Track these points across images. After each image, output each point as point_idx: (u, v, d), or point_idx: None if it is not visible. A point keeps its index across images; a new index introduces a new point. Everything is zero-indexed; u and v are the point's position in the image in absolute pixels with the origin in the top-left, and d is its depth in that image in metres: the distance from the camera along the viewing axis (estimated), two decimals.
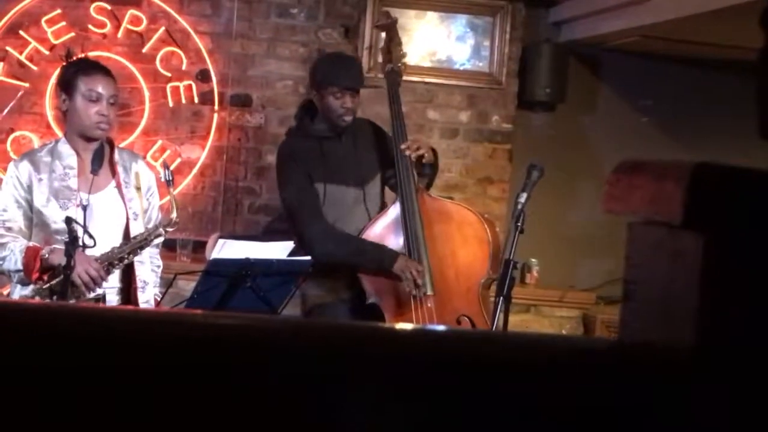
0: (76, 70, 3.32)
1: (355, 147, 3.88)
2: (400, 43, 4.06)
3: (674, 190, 0.71)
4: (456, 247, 3.82)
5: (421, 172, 3.88)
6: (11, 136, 5.26)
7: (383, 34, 4.12)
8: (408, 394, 0.75)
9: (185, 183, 5.29)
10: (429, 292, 3.71)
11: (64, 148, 3.35)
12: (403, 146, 3.80)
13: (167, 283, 3.56)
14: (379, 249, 3.75)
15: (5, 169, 5.05)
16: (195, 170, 5.34)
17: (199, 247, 5.11)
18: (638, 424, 0.76)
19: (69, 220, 3.08)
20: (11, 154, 5.11)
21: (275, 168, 3.97)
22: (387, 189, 4.02)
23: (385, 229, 3.81)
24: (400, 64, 4.00)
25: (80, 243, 3.11)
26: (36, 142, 5.14)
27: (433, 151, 3.95)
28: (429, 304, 3.71)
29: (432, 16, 5.30)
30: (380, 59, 4.07)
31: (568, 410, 0.77)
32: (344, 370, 0.76)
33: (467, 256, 3.81)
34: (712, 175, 0.71)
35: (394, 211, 3.82)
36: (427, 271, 3.72)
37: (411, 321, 3.69)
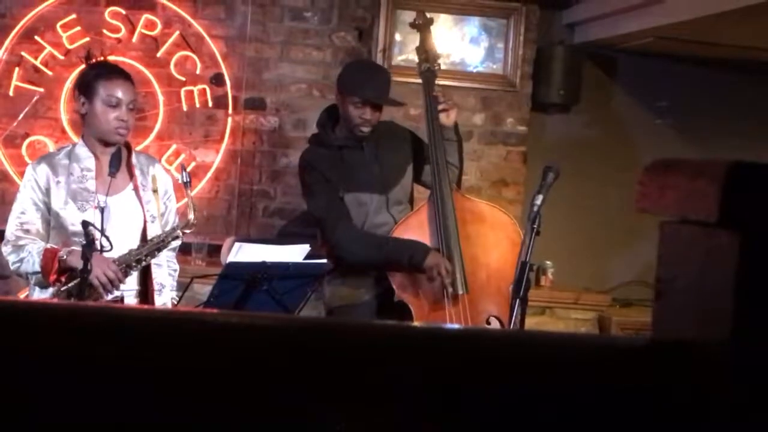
0: (96, 74, 3.32)
1: (377, 153, 3.87)
2: (435, 43, 4.08)
3: (709, 189, 0.71)
4: (488, 248, 3.83)
5: (446, 137, 3.88)
6: (26, 141, 5.28)
7: (418, 34, 4.14)
8: (451, 392, 0.75)
9: (200, 187, 5.30)
10: (461, 292, 3.71)
11: (82, 150, 3.35)
12: (437, 94, 3.82)
13: (183, 287, 3.57)
14: (410, 246, 3.74)
15: (21, 174, 5.10)
16: (209, 174, 5.35)
17: (214, 250, 5.12)
18: (675, 422, 0.76)
19: (86, 224, 3.09)
20: (26, 159, 5.13)
21: (299, 175, 3.99)
22: (411, 192, 4.04)
23: (418, 227, 3.81)
24: (435, 64, 4.01)
25: (97, 246, 3.13)
26: (51, 147, 5.16)
27: (456, 124, 3.96)
28: (460, 304, 3.72)
29: (445, 19, 5.30)
30: (416, 59, 4.10)
31: (604, 408, 0.77)
32: (390, 371, 0.76)
33: (499, 258, 3.81)
34: (748, 173, 0.71)
35: (428, 209, 3.82)
36: (460, 270, 3.72)
37: (442, 320, 3.70)
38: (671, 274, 0.80)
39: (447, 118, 3.86)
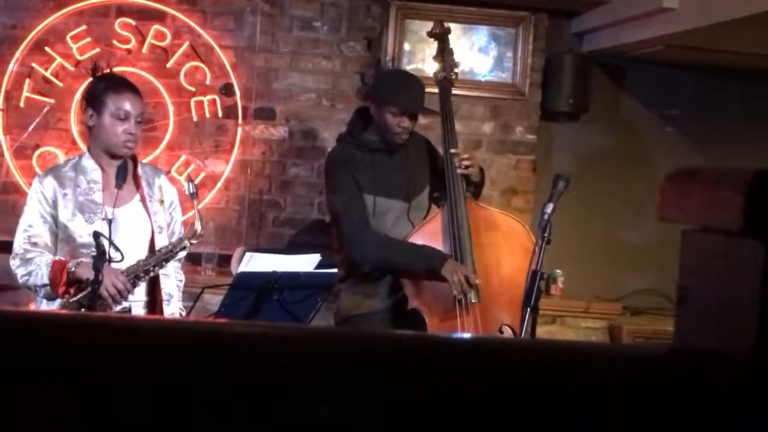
0: (105, 87, 3.32)
1: (406, 161, 3.91)
2: (452, 52, 4.12)
3: (733, 197, 0.71)
4: (501, 256, 3.83)
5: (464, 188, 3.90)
6: (37, 152, 5.29)
7: (435, 43, 4.18)
8: (469, 400, 0.74)
9: (210, 197, 5.31)
10: (474, 300, 3.71)
11: (88, 162, 3.36)
12: (453, 150, 3.83)
13: (194, 297, 3.57)
14: (428, 249, 3.75)
15: (31, 185, 5.11)
16: (219, 184, 5.36)
17: (224, 260, 5.13)
18: (697, 431, 0.76)
19: (96, 235, 3.09)
20: (37, 170, 5.14)
21: (324, 172, 4.00)
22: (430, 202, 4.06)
23: (431, 235, 3.82)
24: (452, 73, 4.05)
25: (107, 257, 3.13)
26: (61, 158, 5.17)
27: (481, 170, 3.97)
28: (473, 312, 3.72)
29: (454, 28, 5.29)
30: (433, 68, 4.14)
31: (625, 416, 0.77)
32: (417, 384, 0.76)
33: (512, 266, 3.81)
34: None
35: (442, 217, 3.83)
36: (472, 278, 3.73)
37: (455, 328, 3.70)
38: (693, 283, 0.79)
39: (474, 176, 3.88)
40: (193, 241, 3.39)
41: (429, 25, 4.29)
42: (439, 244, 3.80)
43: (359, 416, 0.79)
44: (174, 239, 3.42)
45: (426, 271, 3.71)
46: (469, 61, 5.37)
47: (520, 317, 3.71)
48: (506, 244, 3.85)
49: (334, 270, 3.65)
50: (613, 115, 5.64)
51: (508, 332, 3.77)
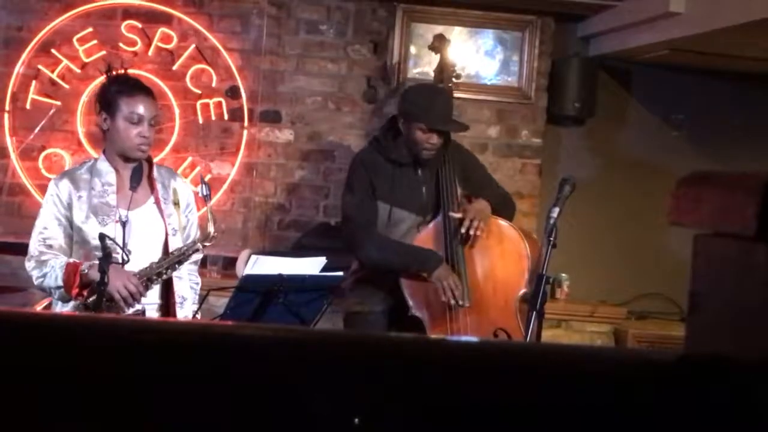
0: (118, 90, 3.31)
1: (429, 178, 3.95)
2: (452, 64, 4.18)
3: (746, 202, 0.71)
4: (495, 261, 3.86)
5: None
6: (43, 154, 5.29)
7: (437, 55, 4.27)
8: (484, 405, 0.74)
9: (215, 199, 5.31)
10: (466, 305, 3.74)
11: (104, 165, 3.36)
12: (457, 215, 3.79)
13: (199, 299, 3.57)
14: (424, 251, 3.82)
15: (37, 186, 5.11)
16: (225, 187, 5.36)
17: (229, 263, 5.13)
18: None
19: (102, 237, 3.09)
20: (43, 171, 5.16)
21: (347, 170, 4.05)
22: None
23: (425, 241, 3.85)
24: (450, 84, 4.13)
25: (117, 259, 3.13)
26: (67, 160, 5.18)
27: (491, 203, 3.95)
28: (466, 317, 3.75)
29: (460, 31, 5.31)
30: (431, 72, 4.28)
31: (637, 423, 0.77)
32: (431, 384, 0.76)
33: (505, 270, 3.84)
34: None
35: (436, 223, 3.86)
36: (465, 283, 3.76)
37: (446, 333, 3.73)
38: (705, 288, 0.79)
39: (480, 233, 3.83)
40: (206, 243, 3.39)
41: (435, 29, 4.33)
42: (432, 249, 3.86)
43: (361, 416, 0.79)
44: (189, 242, 3.42)
45: (420, 271, 3.76)
46: (475, 65, 5.37)
47: (514, 321, 3.75)
48: (499, 249, 3.88)
49: (340, 273, 3.66)
50: (619, 118, 5.64)
51: (502, 336, 3.79)
